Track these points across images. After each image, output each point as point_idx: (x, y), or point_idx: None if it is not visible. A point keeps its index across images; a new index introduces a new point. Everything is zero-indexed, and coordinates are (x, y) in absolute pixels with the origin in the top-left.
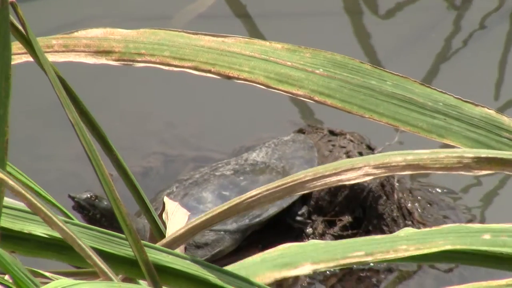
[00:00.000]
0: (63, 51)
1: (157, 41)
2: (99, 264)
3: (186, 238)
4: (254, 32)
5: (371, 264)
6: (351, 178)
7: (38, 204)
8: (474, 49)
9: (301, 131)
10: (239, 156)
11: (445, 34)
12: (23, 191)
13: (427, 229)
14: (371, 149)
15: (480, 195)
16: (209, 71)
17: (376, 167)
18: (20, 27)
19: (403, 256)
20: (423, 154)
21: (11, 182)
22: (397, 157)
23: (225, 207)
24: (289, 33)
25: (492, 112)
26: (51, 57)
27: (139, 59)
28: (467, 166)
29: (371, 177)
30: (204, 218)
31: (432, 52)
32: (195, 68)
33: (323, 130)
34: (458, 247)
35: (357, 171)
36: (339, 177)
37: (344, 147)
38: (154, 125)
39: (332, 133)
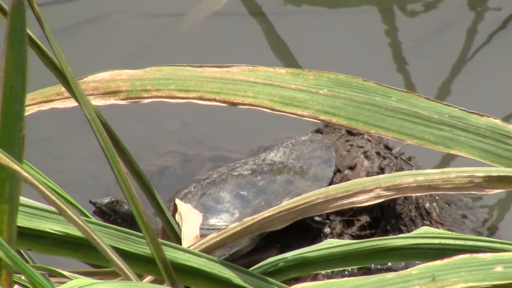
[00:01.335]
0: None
1: (162, 76)
2: (115, 261)
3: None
4: (269, 31)
5: (390, 264)
6: (362, 200)
7: (58, 201)
8: (495, 49)
9: (319, 131)
10: (257, 156)
11: (464, 34)
12: (41, 187)
13: (438, 262)
14: (388, 149)
15: (498, 195)
16: (214, 100)
17: (387, 189)
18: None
19: None
20: (434, 175)
21: (31, 178)
22: (408, 178)
23: (238, 228)
24: (305, 30)
25: (498, 121)
26: (61, 104)
27: (146, 95)
28: (479, 186)
29: (382, 199)
30: (218, 238)
31: (456, 49)
32: (200, 98)
33: (341, 130)
34: (471, 284)
35: (368, 193)
36: (350, 200)
37: (361, 147)
38: (172, 124)
39: (350, 133)
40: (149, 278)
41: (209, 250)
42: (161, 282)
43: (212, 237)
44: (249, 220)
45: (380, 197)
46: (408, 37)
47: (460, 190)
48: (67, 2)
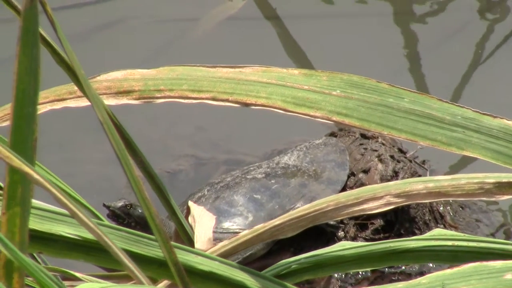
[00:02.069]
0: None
1: (175, 76)
2: (127, 263)
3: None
4: (284, 34)
5: (403, 267)
6: (372, 207)
7: (69, 204)
8: (508, 51)
9: (333, 134)
10: (271, 159)
11: (477, 37)
12: (53, 189)
13: (449, 270)
14: (403, 152)
15: None
16: (227, 100)
17: (397, 196)
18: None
19: None
20: (444, 181)
21: (43, 180)
22: (418, 185)
23: (249, 235)
24: (319, 34)
25: (511, 123)
26: (73, 103)
27: (159, 95)
28: (489, 192)
29: (392, 206)
30: (229, 246)
31: (469, 51)
32: (213, 99)
33: (355, 133)
34: None
35: (378, 200)
36: (361, 207)
37: (376, 150)
38: (186, 128)
39: (364, 136)
40: (164, 283)
41: (223, 256)
42: (176, 286)
43: (223, 245)
44: (260, 228)
45: (390, 204)
46: (422, 40)
47: (471, 196)
48: (82, 7)
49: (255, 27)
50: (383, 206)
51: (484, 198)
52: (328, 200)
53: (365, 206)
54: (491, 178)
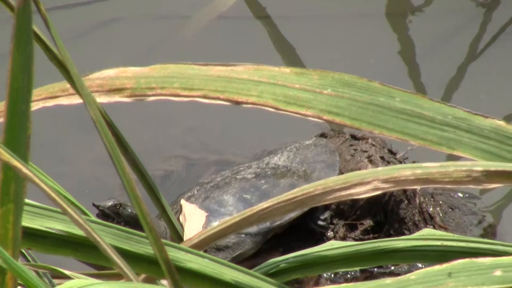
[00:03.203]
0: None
1: (167, 74)
2: (115, 259)
3: (198, 248)
4: (274, 34)
5: (392, 267)
6: (360, 192)
7: (60, 200)
8: (504, 49)
9: (323, 135)
10: (261, 160)
11: (474, 33)
12: (44, 185)
13: (437, 266)
14: (393, 154)
15: (503, 200)
16: (218, 98)
17: (385, 181)
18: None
19: None
20: (432, 168)
21: (34, 177)
22: (406, 171)
23: (238, 218)
24: (311, 34)
25: (502, 123)
26: (66, 100)
27: (150, 93)
28: (477, 180)
29: (380, 191)
30: (218, 228)
31: (463, 50)
32: (204, 97)
33: (345, 134)
34: None
35: (366, 185)
36: (349, 191)
37: (366, 151)
38: (176, 129)
39: (354, 137)
40: (143, 277)
41: (209, 241)
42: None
43: (212, 228)
44: (248, 211)
45: (378, 189)
46: (416, 38)
47: (458, 183)
48: (74, 7)
49: (246, 26)
50: (370, 191)
51: (472, 186)
52: (315, 185)
53: (352, 190)
54: (479, 166)
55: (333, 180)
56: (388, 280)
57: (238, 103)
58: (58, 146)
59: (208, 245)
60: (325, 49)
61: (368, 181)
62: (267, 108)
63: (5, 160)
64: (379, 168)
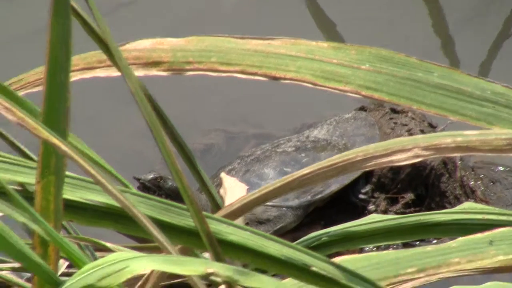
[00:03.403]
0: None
1: (204, 47)
2: (152, 230)
3: (239, 213)
4: (313, 6)
5: (434, 241)
6: (400, 159)
7: (95, 172)
8: None
9: (362, 108)
10: (301, 133)
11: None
12: (79, 158)
13: (479, 235)
14: (433, 127)
15: None
16: (256, 74)
17: (426, 148)
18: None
19: (455, 270)
20: (472, 136)
21: (68, 150)
22: (446, 139)
23: (278, 184)
24: (350, 7)
25: None
26: (103, 72)
27: (188, 68)
28: None
29: (420, 159)
30: (258, 195)
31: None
32: (242, 72)
33: (385, 107)
34: (510, 256)
35: (406, 152)
36: (389, 158)
37: (406, 125)
38: (214, 102)
39: (394, 111)
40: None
41: (250, 206)
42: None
43: (253, 194)
44: (288, 177)
45: (418, 156)
46: (452, 14)
47: (498, 152)
48: None
49: (282, 2)
50: (411, 158)
51: None
52: (356, 151)
53: (393, 157)
54: None
55: (374, 147)
56: (429, 247)
57: (276, 78)
58: (96, 119)
59: (250, 210)
60: (363, 23)
61: (408, 148)
62: (305, 84)
63: (44, 138)
64: (420, 136)
